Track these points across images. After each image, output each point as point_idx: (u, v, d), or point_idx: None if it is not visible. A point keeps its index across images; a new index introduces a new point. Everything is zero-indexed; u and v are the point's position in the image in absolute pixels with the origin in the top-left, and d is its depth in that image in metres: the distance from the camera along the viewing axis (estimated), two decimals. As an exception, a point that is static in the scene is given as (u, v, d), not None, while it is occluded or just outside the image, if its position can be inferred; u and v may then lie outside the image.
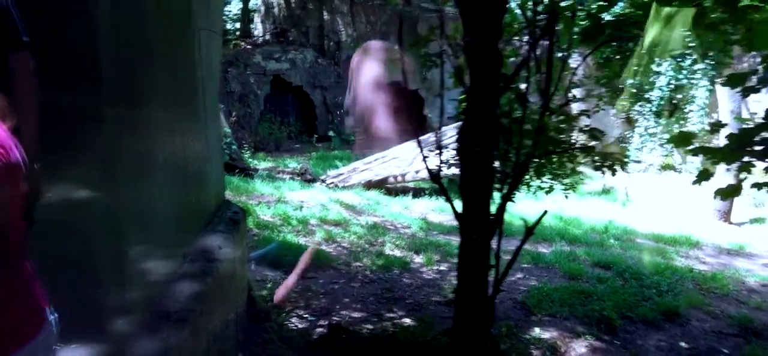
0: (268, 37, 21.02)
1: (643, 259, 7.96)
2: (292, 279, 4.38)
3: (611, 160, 3.54)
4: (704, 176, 4.29)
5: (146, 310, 2.89)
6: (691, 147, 4.55)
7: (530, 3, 3.19)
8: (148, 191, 3.00)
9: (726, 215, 12.04)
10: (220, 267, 3.47)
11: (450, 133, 12.72)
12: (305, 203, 9.31)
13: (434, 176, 3.63)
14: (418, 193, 11.66)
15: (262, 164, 14.54)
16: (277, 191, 10.07)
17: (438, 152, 3.92)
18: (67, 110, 2.38)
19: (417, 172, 11.68)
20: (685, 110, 13.10)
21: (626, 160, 3.71)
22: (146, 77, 2.96)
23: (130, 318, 2.73)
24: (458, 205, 3.61)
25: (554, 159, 3.65)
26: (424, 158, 3.89)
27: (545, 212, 3.38)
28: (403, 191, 11.92)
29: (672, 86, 12.59)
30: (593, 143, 3.51)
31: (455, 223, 9.09)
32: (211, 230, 3.89)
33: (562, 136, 3.52)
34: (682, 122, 13.37)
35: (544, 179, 4.46)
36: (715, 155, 4.27)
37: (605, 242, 8.92)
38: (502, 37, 2.89)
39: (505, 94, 3.08)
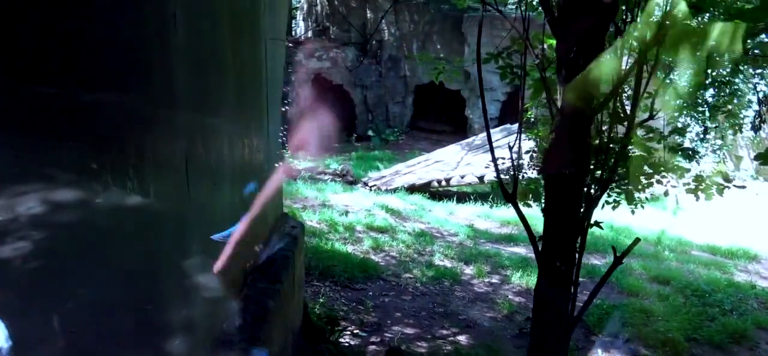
0: (309, 35, 20.94)
1: (702, 274, 7.62)
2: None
3: (709, 184, 3.27)
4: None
5: (208, 333, 2.75)
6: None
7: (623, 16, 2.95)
8: (214, 204, 2.86)
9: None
10: (282, 290, 3.32)
11: (495, 136, 12.47)
12: (350, 207, 9.15)
13: (510, 196, 3.40)
14: (462, 198, 11.42)
15: (303, 165, 14.46)
16: (320, 195, 9.94)
17: (510, 159, 3.70)
18: (136, 118, 2.24)
19: (462, 177, 11.44)
20: (741, 116, 12.59)
21: (728, 185, 3.43)
22: (216, 87, 2.81)
23: (190, 340, 2.59)
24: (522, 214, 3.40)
25: (644, 181, 3.40)
26: (496, 163, 3.66)
27: (638, 239, 3.14)
28: (446, 195, 11.69)
29: (727, 91, 12.06)
30: (685, 164, 3.25)
31: (503, 231, 8.85)
32: (271, 247, 3.74)
33: (649, 155, 3.28)
34: (736, 127, 12.80)
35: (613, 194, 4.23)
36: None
37: (660, 254, 8.58)
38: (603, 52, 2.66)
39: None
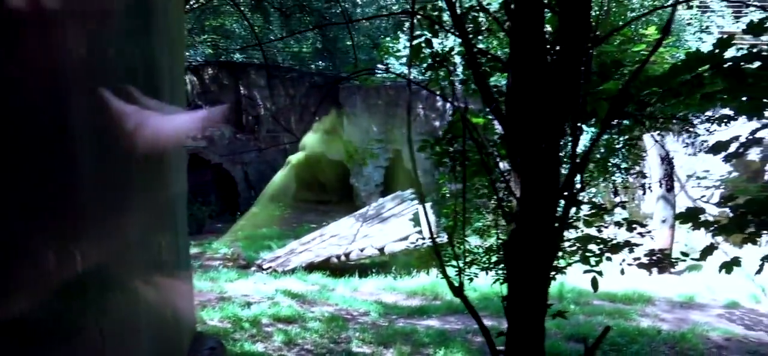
0: (181, 114, 20.07)
1: (611, 325, 7.74)
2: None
3: (660, 257, 3.19)
4: (709, 251, 4.08)
5: None
6: (700, 221, 4.35)
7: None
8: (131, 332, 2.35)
9: (670, 265, 12.17)
10: None
11: (388, 205, 12.37)
12: (250, 297, 8.56)
13: (457, 291, 3.13)
14: (363, 271, 11.10)
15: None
16: (215, 286, 9.25)
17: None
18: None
19: (362, 250, 11.16)
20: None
21: (684, 257, 3.40)
22: (127, 195, 2.36)
23: None
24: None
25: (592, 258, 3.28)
26: (438, 251, 3.38)
27: (609, 328, 2.97)
28: (345, 269, 11.33)
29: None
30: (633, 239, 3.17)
31: (411, 303, 8.60)
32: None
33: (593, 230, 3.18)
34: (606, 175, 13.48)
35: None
36: (722, 230, 4.10)
37: (566, 308, 8.66)
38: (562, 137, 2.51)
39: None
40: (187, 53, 18.59)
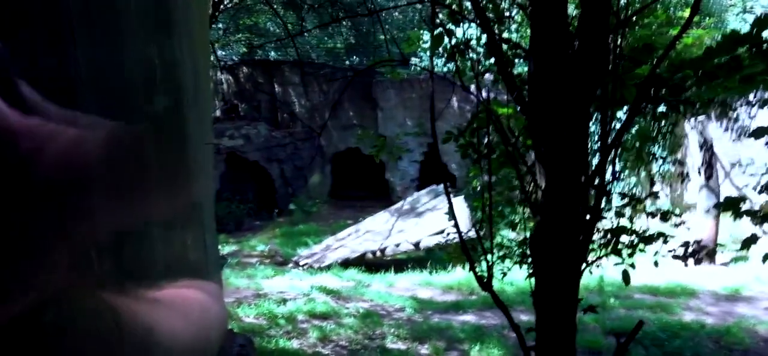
0: (218, 113, 20.34)
1: (652, 319, 7.54)
2: None
3: (696, 248, 3.07)
4: (752, 241, 3.91)
5: None
6: (741, 211, 4.19)
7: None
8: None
9: (710, 256, 11.81)
10: None
11: (423, 200, 12.29)
12: (286, 293, 8.60)
13: (486, 285, 3.05)
14: (399, 266, 11.06)
15: (226, 249, 13.74)
16: (251, 283, 9.34)
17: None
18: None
19: (397, 245, 11.11)
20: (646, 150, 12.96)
21: (722, 247, 3.27)
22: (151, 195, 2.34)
23: None
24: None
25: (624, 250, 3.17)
26: (466, 248, 3.32)
27: (641, 323, 2.85)
28: (381, 265, 11.31)
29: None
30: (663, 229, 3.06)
31: (447, 298, 8.52)
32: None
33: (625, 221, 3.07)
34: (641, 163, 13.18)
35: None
36: (766, 219, 3.94)
37: (606, 303, 8.47)
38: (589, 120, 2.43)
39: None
40: (222, 52, 18.77)
